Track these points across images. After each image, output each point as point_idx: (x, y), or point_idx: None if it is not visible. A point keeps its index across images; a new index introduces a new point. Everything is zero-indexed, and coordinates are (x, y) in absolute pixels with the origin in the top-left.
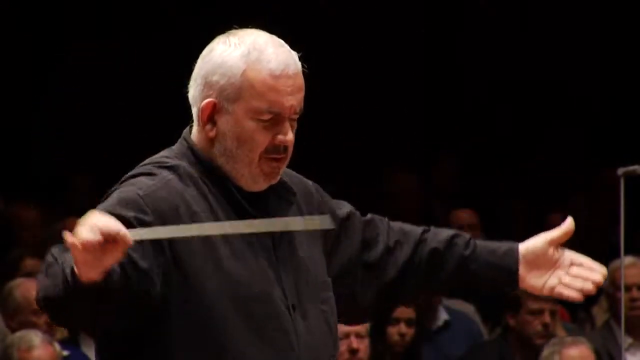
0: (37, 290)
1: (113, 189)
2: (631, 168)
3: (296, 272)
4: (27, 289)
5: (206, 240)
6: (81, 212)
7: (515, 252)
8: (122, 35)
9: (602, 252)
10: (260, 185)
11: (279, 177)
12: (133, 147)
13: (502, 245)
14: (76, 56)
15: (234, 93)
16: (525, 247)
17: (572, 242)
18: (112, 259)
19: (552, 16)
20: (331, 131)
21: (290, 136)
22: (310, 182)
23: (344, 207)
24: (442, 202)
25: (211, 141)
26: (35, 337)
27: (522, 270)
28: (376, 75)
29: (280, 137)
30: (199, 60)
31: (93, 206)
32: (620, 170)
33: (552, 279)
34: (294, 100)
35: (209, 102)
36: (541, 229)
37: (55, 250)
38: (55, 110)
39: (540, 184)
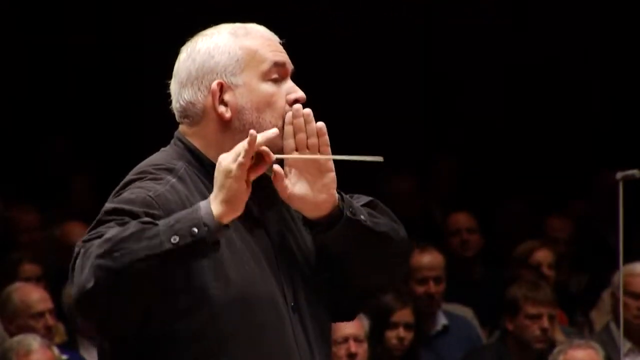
0: (109, 257)
1: (117, 192)
2: (630, 172)
3: (293, 272)
4: (25, 292)
5: None
6: (80, 216)
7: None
8: (123, 35)
9: (600, 257)
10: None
11: None
12: (133, 150)
13: None
14: (75, 55)
15: (239, 65)
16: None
17: (570, 246)
18: (248, 193)
19: (551, 19)
20: (329, 133)
21: (301, 92)
22: None
23: None
24: (441, 205)
25: (227, 124)
26: (34, 342)
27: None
28: (375, 77)
29: (292, 95)
30: (181, 66)
31: (92, 209)
32: (619, 175)
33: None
34: (288, 59)
35: (218, 83)
36: (540, 233)
37: (137, 220)
38: (54, 112)
39: (539, 187)
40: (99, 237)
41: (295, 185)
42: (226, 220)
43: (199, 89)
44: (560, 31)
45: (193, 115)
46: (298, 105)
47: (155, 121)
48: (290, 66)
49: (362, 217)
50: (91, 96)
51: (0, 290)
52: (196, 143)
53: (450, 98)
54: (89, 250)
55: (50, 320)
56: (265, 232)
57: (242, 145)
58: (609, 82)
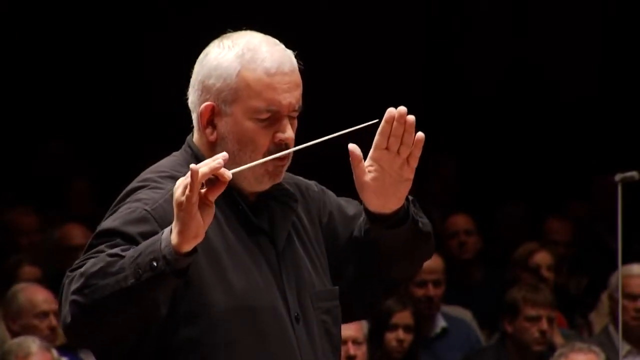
0: (85, 294)
1: (118, 202)
2: (629, 174)
3: (299, 282)
4: (32, 292)
5: (210, 251)
6: (79, 218)
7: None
8: (123, 36)
9: (599, 259)
10: (265, 186)
11: (282, 177)
12: (132, 152)
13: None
14: (73, 57)
15: (231, 95)
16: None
17: (570, 248)
18: (211, 211)
19: (551, 20)
20: (328, 133)
21: (290, 133)
22: (312, 184)
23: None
24: (439, 207)
25: (212, 145)
26: (33, 344)
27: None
28: (374, 78)
29: (279, 135)
30: (196, 66)
31: (91, 210)
32: (618, 177)
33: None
34: (291, 97)
35: (207, 106)
36: (539, 235)
37: (106, 252)
38: (52, 114)
39: (538, 189)
40: (84, 265)
41: (373, 179)
42: (186, 249)
43: (197, 98)
44: (559, 33)
45: (195, 118)
46: (403, 110)
47: (153, 123)
48: (290, 107)
49: (419, 219)
50: (90, 98)
51: (0, 292)
52: (199, 145)
53: (451, 100)
54: (70, 284)
55: (54, 320)
56: (271, 242)
57: (188, 176)
58: (608, 84)
